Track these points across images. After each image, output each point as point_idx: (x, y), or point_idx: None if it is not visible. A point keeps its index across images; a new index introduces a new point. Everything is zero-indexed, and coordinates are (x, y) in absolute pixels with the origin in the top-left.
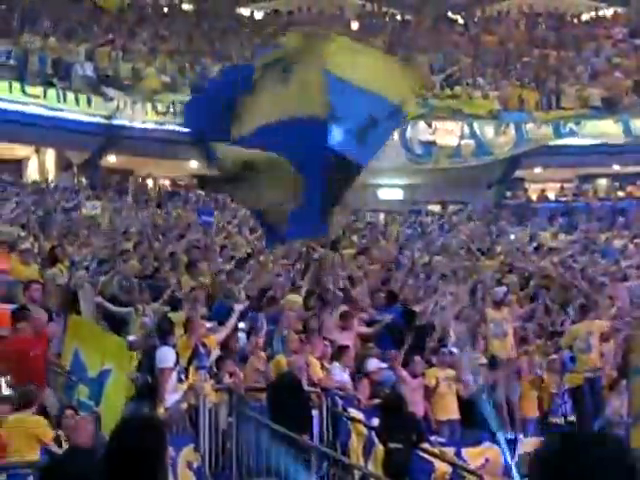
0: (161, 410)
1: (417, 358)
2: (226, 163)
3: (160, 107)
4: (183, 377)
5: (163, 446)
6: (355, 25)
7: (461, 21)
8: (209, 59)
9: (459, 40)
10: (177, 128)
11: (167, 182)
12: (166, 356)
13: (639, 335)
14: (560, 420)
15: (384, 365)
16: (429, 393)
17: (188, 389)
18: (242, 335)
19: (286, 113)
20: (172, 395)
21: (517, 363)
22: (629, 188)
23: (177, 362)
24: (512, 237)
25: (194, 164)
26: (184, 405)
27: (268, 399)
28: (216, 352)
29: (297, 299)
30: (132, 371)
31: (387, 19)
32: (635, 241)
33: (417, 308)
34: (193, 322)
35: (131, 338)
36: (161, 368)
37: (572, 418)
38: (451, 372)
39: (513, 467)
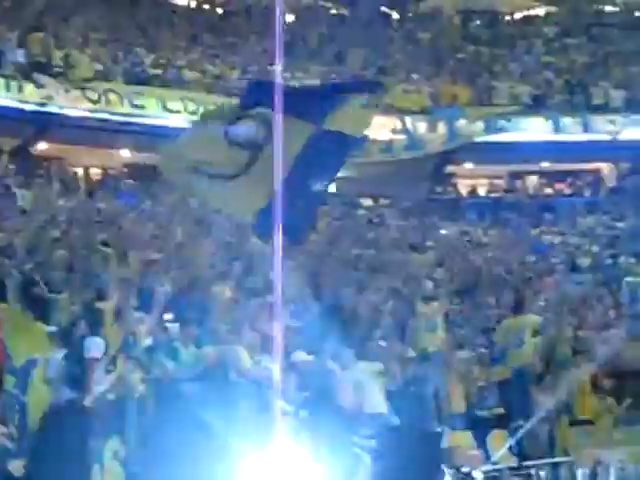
0: (88, 400)
1: (348, 351)
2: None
3: (92, 95)
4: (111, 367)
5: (87, 434)
6: (291, 18)
7: (395, 16)
8: (142, 48)
9: (393, 35)
10: (109, 117)
11: (98, 171)
12: (94, 346)
13: (566, 330)
14: (487, 413)
15: (310, 356)
16: (358, 386)
17: (116, 379)
18: (172, 325)
19: None
20: (99, 385)
21: (446, 357)
22: (558, 185)
23: (105, 352)
24: (442, 232)
25: (126, 153)
26: (112, 395)
27: (195, 390)
28: (145, 342)
29: (226, 290)
30: (59, 360)
31: (322, 13)
32: (562, 238)
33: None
34: (123, 312)
35: (52, 328)
36: (89, 358)
37: (499, 411)
38: (379, 365)
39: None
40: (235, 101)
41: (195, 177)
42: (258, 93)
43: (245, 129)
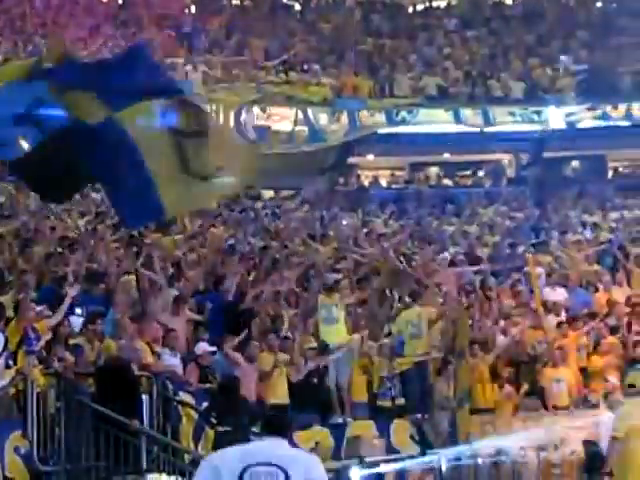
0: None
1: (253, 343)
2: None
3: None
4: (11, 362)
5: None
6: (192, 8)
7: (297, 7)
8: (42, 38)
9: (295, 26)
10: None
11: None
12: None
13: (465, 320)
14: (389, 404)
15: (212, 348)
16: (262, 377)
17: (16, 374)
18: (77, 320)
19: None
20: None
21: (347, 347)
22: (458, 176)
23: (5, 346)
24: (344, 223)
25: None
26: (11, 390)
27: (96, 384)
28: (46, 337)
29: (130, 282)
30: None
31: (224, 2)
32: (463, 228)
33: (249, 293)
34: (23, 306)
35: None
36: None
37: (401, 401)
38: (283, 356)
39: (342, 450)
40: None
41: None
42: None
43: None
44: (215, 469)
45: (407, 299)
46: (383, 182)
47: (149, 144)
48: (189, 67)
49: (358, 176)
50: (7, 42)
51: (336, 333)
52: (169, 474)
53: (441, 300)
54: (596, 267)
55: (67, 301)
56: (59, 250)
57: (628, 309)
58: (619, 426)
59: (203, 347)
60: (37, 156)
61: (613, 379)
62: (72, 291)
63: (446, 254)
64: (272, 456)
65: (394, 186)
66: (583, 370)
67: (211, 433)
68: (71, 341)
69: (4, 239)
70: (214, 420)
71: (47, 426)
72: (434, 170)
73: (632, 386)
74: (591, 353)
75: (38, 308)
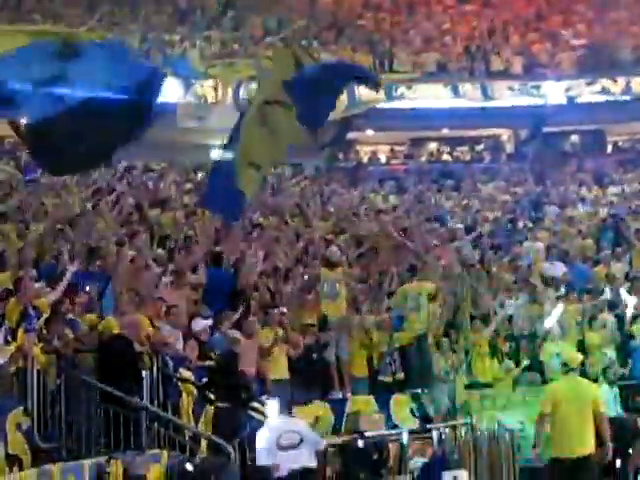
0: None
1: (251, 318)
2: None
3: None
4: (10, 338)
5: None
6: None
7: None
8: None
9: (293, 2)
10: None
11: None
12: None
13: (466, 295)
14: (389, 379)
15: (210, 322)
16: (262, 353)
17: (16, 351)
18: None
19: None
20: None
21: (348, 322)
22: (457, 151)
23: (2, 323)
24: (344, 199)
25: (24, 122)
26: (12, 367)
27: (98, 360)
28: (46, 314)
29: (129, 258)
30: None
31: None
32: (463, 203)
33: (246, 268)
34: (22, 283)
35: None
36: None
37: (400, 376)
38: (281, 332)
39: (342, 425)
40: None
41: None
42: None
43: None
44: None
45: (406, 274)
46: (382, 157)
47: None
48: (187, 43)
49: (357, 152)
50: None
51: (337, 308)
52: (169, 450)
53: (440, 275)
54: (592, 242)
55: (66, 278)
56: (58, 227)
57: (627, 284)
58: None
59: (202, 323)
60: (54, 127)
61: (611, 353)
62: (72, 267)
63: (446, 229)
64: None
65: (393, 161)
66: (581, 344)
67: (211, 409)
68: (68, 316)
69: (3, 217)
70: (213, 396)
71: (47, 403)
72: (433, 145)
73: None
74: (588, 328)
75: (37, 285)
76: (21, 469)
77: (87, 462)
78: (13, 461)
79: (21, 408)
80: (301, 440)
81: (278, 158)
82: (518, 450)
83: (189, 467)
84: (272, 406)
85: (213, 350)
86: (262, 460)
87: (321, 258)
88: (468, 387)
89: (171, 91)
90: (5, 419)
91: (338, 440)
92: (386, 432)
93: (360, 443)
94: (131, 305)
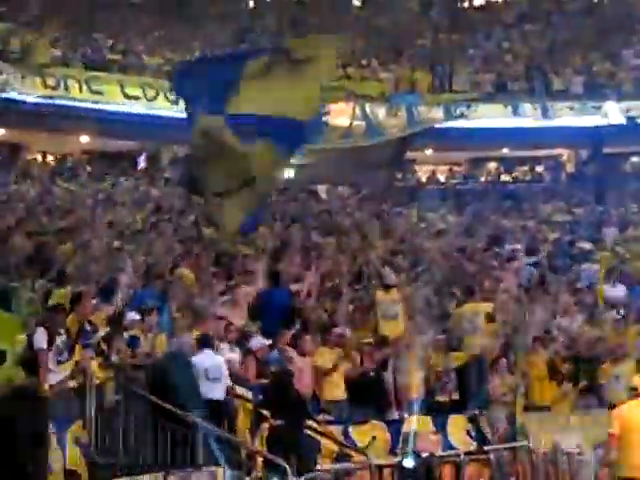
0: (45, 387)
1: (306, 337)
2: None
3: (50, 81)
4: (67, 354)
5: (42, 417)
6: (251, 3)
7: (357, 3)
8: (101, 33)
9: (354, 22)
10: (68, 103)
11: (55, 157)
12: (39, 338)
13: (527, 316)
14: (445, 399)
15: (267, 342)
16: (318, 372)
17: (75, 366)
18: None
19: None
20: (54, 373)
21: (405, 342)
22: (517, 171)
23: (53, 341)
24: (401, 219)
25: (84, 139)
26: (71, 382)
27: (156, 377)
28: (103, 329)
29: (189, 274)
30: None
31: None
32: (521, 224)
33: (303, 287)
34: (81, 299)
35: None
36: (37, 349)
37: (457, 397)
38: (340, 352)
39: (399, 445)
40: None
41: None
42: None
43: None
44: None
45: (464, 295)
46: (441, 177)
47: None
48: None
49: (415, 171)
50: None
51: (395, 329)
52: (225, 468)
53: (499, 296)
54: None
55: (121, 290)
56: (117, 244)
57: None
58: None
59: (259, 341)
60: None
61: None
62: (125, 278)
63: (505, 250)
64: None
65: (452, 181)
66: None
67: (267, 427)
68: (127, 334)
69: (64, 232)
70: (269, 414)
71: (105, 419)
72: (492, 165)
73: None
74: None
75: (94, 301)
76: None
77: (144, 478)
78: (71, 475)
79: (80, 423)
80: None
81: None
82: (576, 474)
83: None
84: None
85: (269, 368)
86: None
87: (378, 278)
88: (526, 409)
89: None
90: (64, 434)
91: (394, 460)
92: (442, 453)
93: (415, 463)
94: (188, 323)
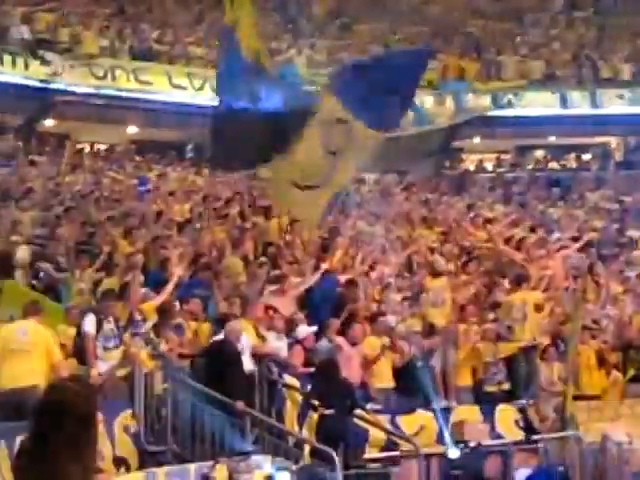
0: (94, 373)
1: (356, 326)
2: None
3: (98, 72)
4: (116, 342)
5: (90, 405)
6: None
7: None
8: (148, 24)
9: (401, 9)
10: (115, 93)
11: (104, 147)
12: (87, 322)
13: (580, 305)
14: (494, 389)
15: (314, 329)
16: (366, 361)
17: (123, 355)
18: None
19: None
20: (101, 361)
21: (453, 331)
22: (564, 160)
23: (100, 329)
24: (449, 207)
25: (132, 129)
26: (120, 371)
27: (204, 365)
28: (153, 319)
29: (238, 263)
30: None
31: None
32: (569, 212)
33: (351, 276)
34: (130, 289)
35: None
36: (83, 334)
37: (506, 386)
38: (387, 340)
39: (447, 434)
40: None
41: None
42: None
43: None
44: None
45: (512, 283)
46: (488, 165)
47: None
48: (293, 51)
49: (463, 160)
50: (114, 29)
51: (443, 316)
52: (273, 456)
53: (547, 285)
54: None
55: (172, 281)
56: (166, 233)
57: None
58: None
59: (306, 329)
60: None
61: None
62: (178, 270)
63: (553, 238)
64: None
65: (499, 169)
66: None
67: (315, 416)
68: (173, 321)
69: (112, 222)
70: (318, 403)
71: (154, 407)
72: (540, 153)
73: None
74: None
75: (143, 290)
76: (128, 471)
77: (192, 466)
78: (120, 463)
79: (129, 411)
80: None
81: (345, 178)
82: (625, 463)
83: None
84: None
85: (317, 357)
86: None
87: (426, 266)
88: (575, 398)
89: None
90: (114, 422)
91: (441, 450)
92: (490, 443)
93: (460, 454)
94: (235, 311)
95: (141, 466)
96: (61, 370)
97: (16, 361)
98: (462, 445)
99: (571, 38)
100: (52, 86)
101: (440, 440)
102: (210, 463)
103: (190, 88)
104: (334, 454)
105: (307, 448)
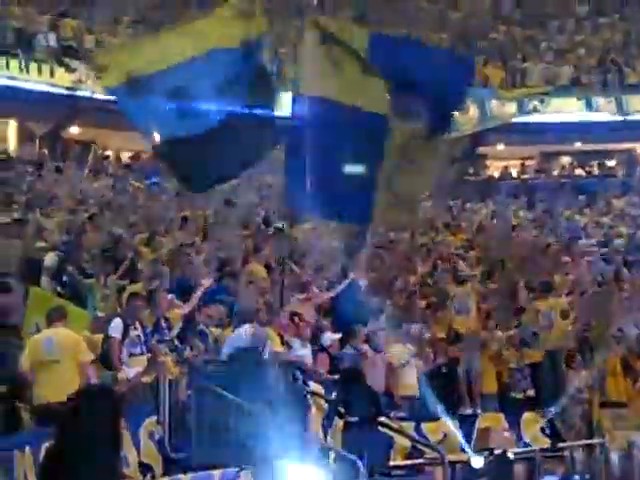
0: (121, 377)
1: (380, 333)
2: None
3: None
4: (141, 349)
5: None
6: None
7: None
8: None
9: (425, 15)
10: None
11: (129, 154)
12: (114, 327)
13: (606, 312)
14: (520, 395)
15: (338, 336)
16: (391, 368)
17: (149, 362)
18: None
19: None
20: (126, 367)
21: (478, 338)
22: (590, 166)
23: (126, 334)
24: (474, 214)
25: (157, 137)
26: (146, 377)
27: (228, 371)
28: (178, 326)
29: (261, 270)
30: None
31: None
32: (595, 219)
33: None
34: (156, 295)
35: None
36: (110, 337)
37: (531, 393)
38: (412, 348)
39: (464, 442)
40: None
41: None
42: None
43: None
44: None
45: (539, 290)
46: (513, 172)
47: None
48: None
49: (487, 166)
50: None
51: (468, 323)
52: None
53: (572, 291)
54: None
55: (200, 291)
56: (191, 240)
57: None
58: None
59: (331, 337)
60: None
61: None
62: (206, 282)
63: (578, 245)
64: None
65: (524, 176)
66: None
67: (340, 423)
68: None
69: (136, 227)
70: (343, 410)
71: (178, 414)
72: (566, 159)
73: None
74: None
75: (169, 296)
76: (153, 478)
77: (217, 473)
78: (145, 469)
79: (154, 418)
80: None
81: (422, 190)
82: None
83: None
84: None
85: (342, 364)
86: None
87: (451, 273)
88: (601, 406)
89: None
90: (139, 428)
91: (465, 457)
92: (516, 450)
93: (484, 462)
94: (259, 318)
95: (165, 473)
96: (89, 371)
97: (46, 374)
98: (486, 453)
99: (596, 44)
100: (78, 93)
101: (464, 448)
102: (235, 470)
103: None
104: (359, 461)
105: (332, 455)
